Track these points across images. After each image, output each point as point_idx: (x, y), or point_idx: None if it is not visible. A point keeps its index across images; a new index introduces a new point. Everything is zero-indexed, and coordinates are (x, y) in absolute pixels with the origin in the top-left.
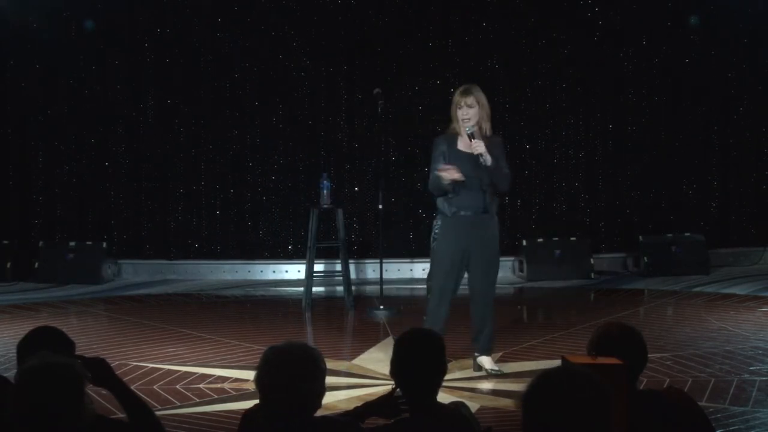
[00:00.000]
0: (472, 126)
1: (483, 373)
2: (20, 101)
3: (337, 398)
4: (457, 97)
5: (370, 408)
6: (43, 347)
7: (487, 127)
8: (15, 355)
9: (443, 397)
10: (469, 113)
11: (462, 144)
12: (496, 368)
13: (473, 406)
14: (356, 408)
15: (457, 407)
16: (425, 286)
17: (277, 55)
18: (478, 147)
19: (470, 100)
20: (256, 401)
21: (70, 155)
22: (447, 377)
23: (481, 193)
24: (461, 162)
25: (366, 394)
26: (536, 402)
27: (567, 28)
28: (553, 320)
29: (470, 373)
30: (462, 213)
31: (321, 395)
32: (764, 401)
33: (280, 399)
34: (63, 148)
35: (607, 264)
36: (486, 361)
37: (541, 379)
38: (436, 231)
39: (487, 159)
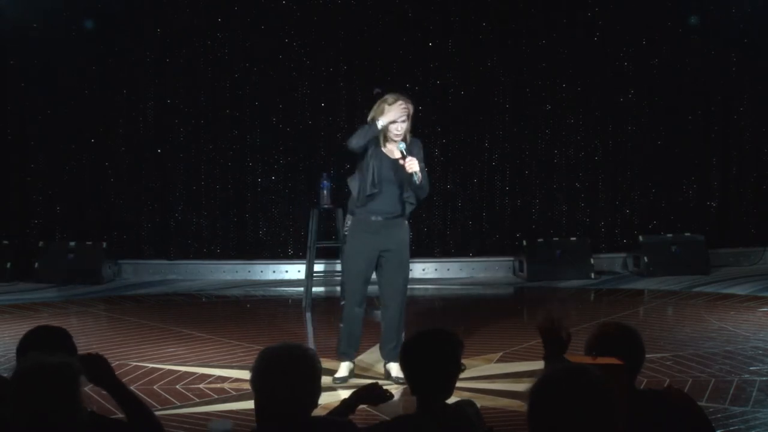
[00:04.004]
0: (402, 141)
1: (391, 382)
2: (20, 101)
3: (338, 398)
4: (397, 109)
5: (356, 397)
6: (42, 347)
7: (408, 134)
8: (15, 355)
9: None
10: (404, 127)
11: (385, 148)
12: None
13: None
14: (343, 400)
15: (462, 407)
16: (339, 288)
17: (277, 55)
18: (413, 165)
19: (405, 116)
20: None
21: (70, 155)
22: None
23: (397, 199)
24: (384, 164)
25: None
26: (542, 400)
27: (567, 28)
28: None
29: (470, 373)
30: (373, 218)
31: (317, 395)
32: (764, 401)
33: (275, 400)
34: (63, 148)
35: (607, 264)
36: (394, 368)
37: (547, 377)
38: (347, 232)
39: (419, 176)
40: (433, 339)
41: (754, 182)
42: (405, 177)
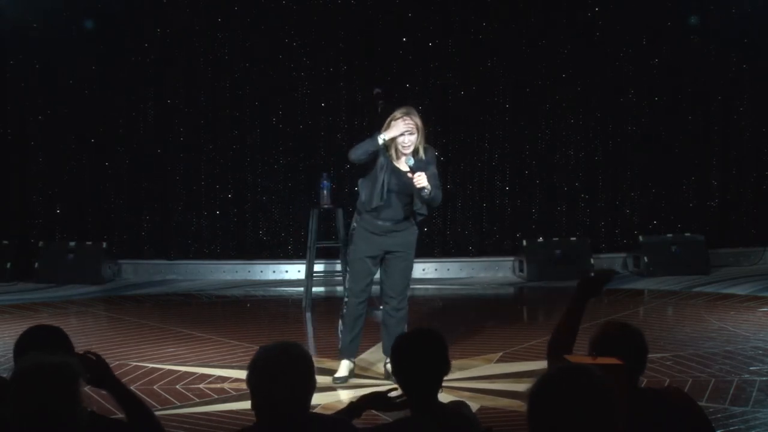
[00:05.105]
0: (411, 155)
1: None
2: (20, 101)
3: (337, 398)
4: (399, 125)
5: (365, 401)
6: (39, 346)
7: (420, 147)
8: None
9: (443, 397)
10: (411, 140)
11: (396, 160)
12: None
13: (473, 406)
14: (351, 403)
15: (458, 407)
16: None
17: (277, 55)
18: (422, 181)
19: (412, 128)
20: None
21: (70, 155)
22: (447, 377)
23: (405, 208)
24: (393, 177)
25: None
26: (542, 400)
27: (567, 28)
28: (553, 320)
29: (470, 373)
30: (380, 222)
31: (311, 393)
32: (764, 401)
33: (274, 400)
34: (63, 148)
35: (607, 264)
36: None
37: (547, 377)
38: (354, 230)
39: (427, 191)
40: (429, 339)
41: (754, 182)
42: (415, 190)
